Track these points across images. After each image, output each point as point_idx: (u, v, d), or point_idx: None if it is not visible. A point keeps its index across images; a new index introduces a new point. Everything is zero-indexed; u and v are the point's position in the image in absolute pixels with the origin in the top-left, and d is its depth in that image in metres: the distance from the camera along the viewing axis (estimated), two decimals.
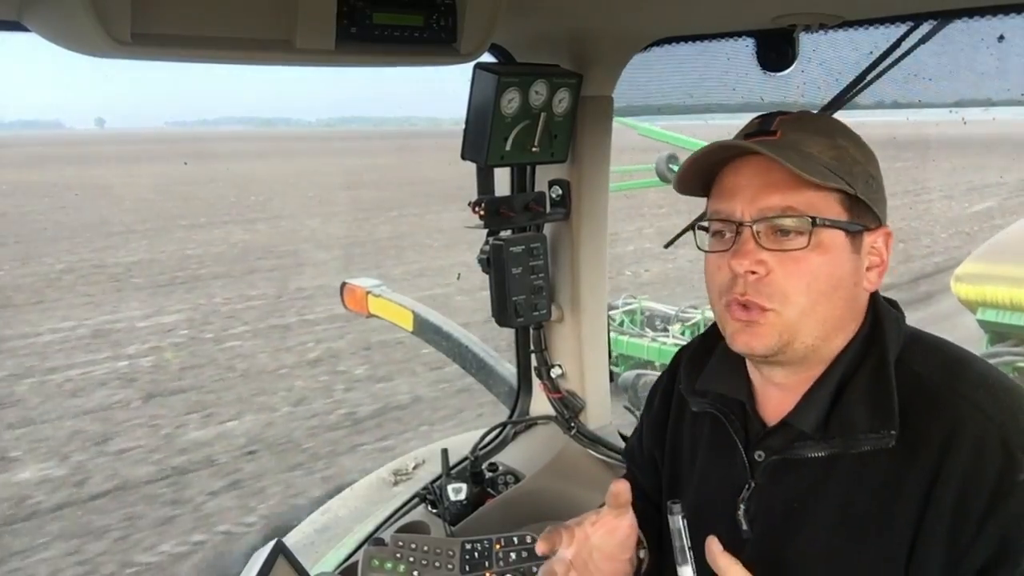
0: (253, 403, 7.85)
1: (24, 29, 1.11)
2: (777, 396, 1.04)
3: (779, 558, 0.99)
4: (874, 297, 1.03)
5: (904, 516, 0.90)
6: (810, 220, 0.93)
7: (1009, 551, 0.85)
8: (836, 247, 0.95)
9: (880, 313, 1.01)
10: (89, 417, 7.56)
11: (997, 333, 7.19)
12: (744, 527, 1.04)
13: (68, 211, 22.14)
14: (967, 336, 7.12)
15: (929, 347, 1.01)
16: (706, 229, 1.03)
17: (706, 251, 1.02)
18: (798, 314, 0.94)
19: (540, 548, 1.04)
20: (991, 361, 6.16)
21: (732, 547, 1.02)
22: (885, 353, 0.97)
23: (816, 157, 0.96)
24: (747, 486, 1.04)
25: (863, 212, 0.98)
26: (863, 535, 0.93)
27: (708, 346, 1.15)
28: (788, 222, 0.94)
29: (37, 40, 1.11)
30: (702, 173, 1.03)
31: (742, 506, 1.04)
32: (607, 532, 1.06)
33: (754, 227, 0.95)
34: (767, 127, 1.00)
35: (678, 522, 0.95)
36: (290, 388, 8.26)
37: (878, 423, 0.92)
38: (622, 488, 1.04)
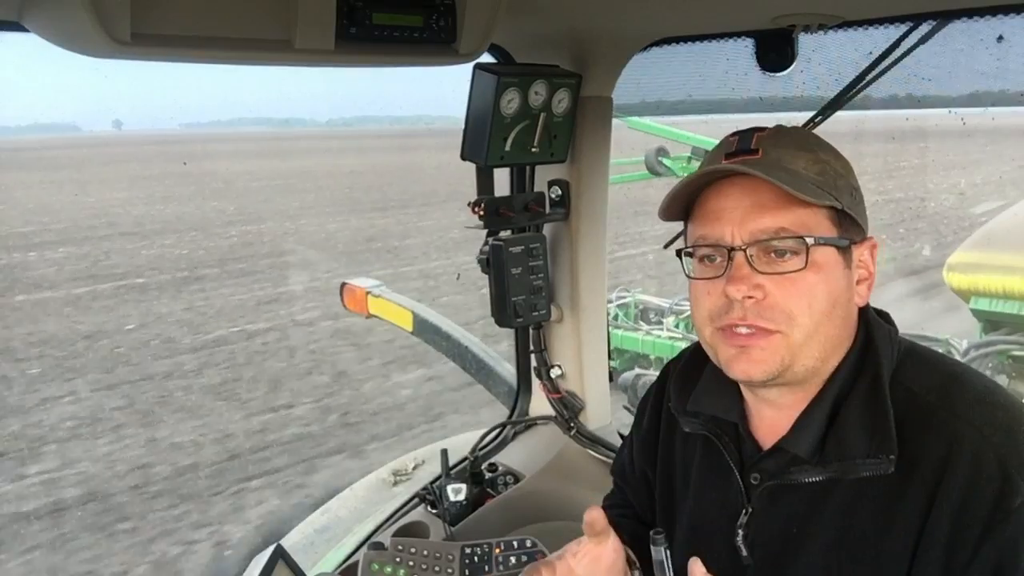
0: None
1: (24, 29, 1.11)
2: (771, 416, 1.01)
3: None
4: (864, 311, 1.00)
5: (901, 539, 0.89)
6: (805, 240, 0.91)
7: None
8: (830, 264, 0.93)
9: (872, 328, 0.99)
10: None
11: (990, 322, 7.20)
12: (744, 553, 1.02)
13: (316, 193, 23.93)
14: None
15: (924, 362, 0.98)
16: (690, 254, 1.00)
17: (693, 278, 0.99)
18: (804, 336, 0.92)
19: None
20: (985, 350, 6.21)
21: (733, 573, 1.02)
22: (879, 373, 0.94)
23: (802, 174, 0.93)
24: (744, 511, 1.02)
25: (850, 226, 0.96)
26: (861, 558, 0.92)
27: (697, 362, 1.11)
28: (783, 243, 0.92)
29: (44, 43, 1.10)
30: (683, 198, 1.00)
31: (740, 532, 1.02)
32: (591, 561, 1.04)
33: (747, 251, 0.92)
34: (747, 146, 0.96)
35: (660, 553, 0.93)
36: None
37: (875, 448, 0.90)
38: (596, 516, 1.02)
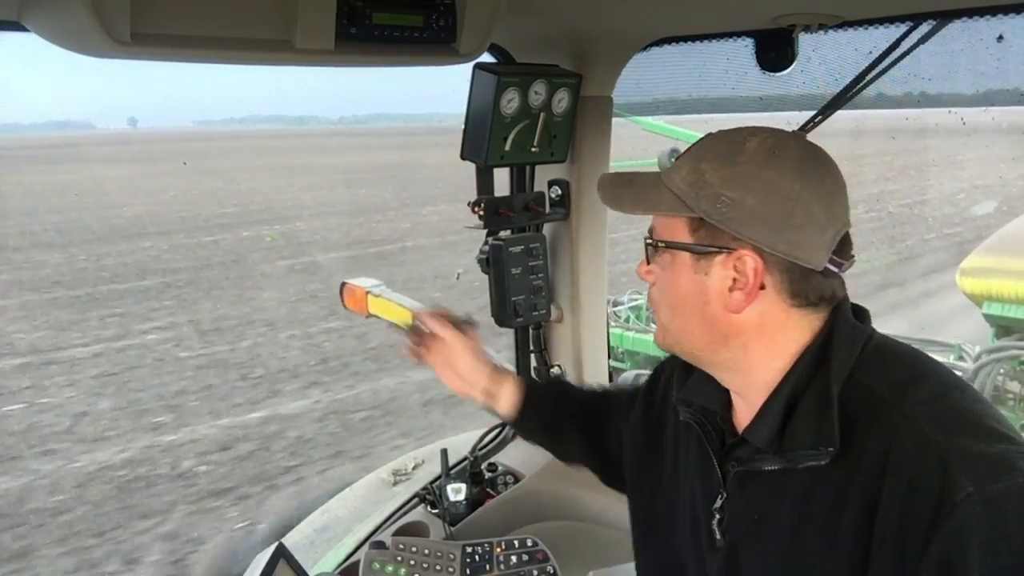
0: None
1: (24, 29, 1.11)
2: (742, 407, 1.07)
3: (741, 568, 1.02)
4: (836, 310, 1.01)
5: (853, 533, 0.90)
6: (653, 242, 1.04)
7: (952, 573, 0.84)
8: (676, 267, 1.01)
9: (836, 327, 1.00)
10: None
11: (1003, 327, 7.10)
12: (718, 537, 1.06)
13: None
14: None
15: (892, 361, 0.99)
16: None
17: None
18: (666, 323, 1.07)
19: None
20: (997, 355, 6.10)
21: (708, 554, 1.08)
22: (830, 369, 0.96)
23: (674, 182, 1.01)
24: (720, 495, 1.06)
25: (714, 234, 0.97)
26: (816, 549, 0.94)
27: None
28: (648, 242, 1.06)
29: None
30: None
31: (716, 515, 1.06)
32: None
33: (647, 243, 1.07)
34: (678, 152, 1.11)
35: None
36: None
37: (820, 440, 0.93)
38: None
